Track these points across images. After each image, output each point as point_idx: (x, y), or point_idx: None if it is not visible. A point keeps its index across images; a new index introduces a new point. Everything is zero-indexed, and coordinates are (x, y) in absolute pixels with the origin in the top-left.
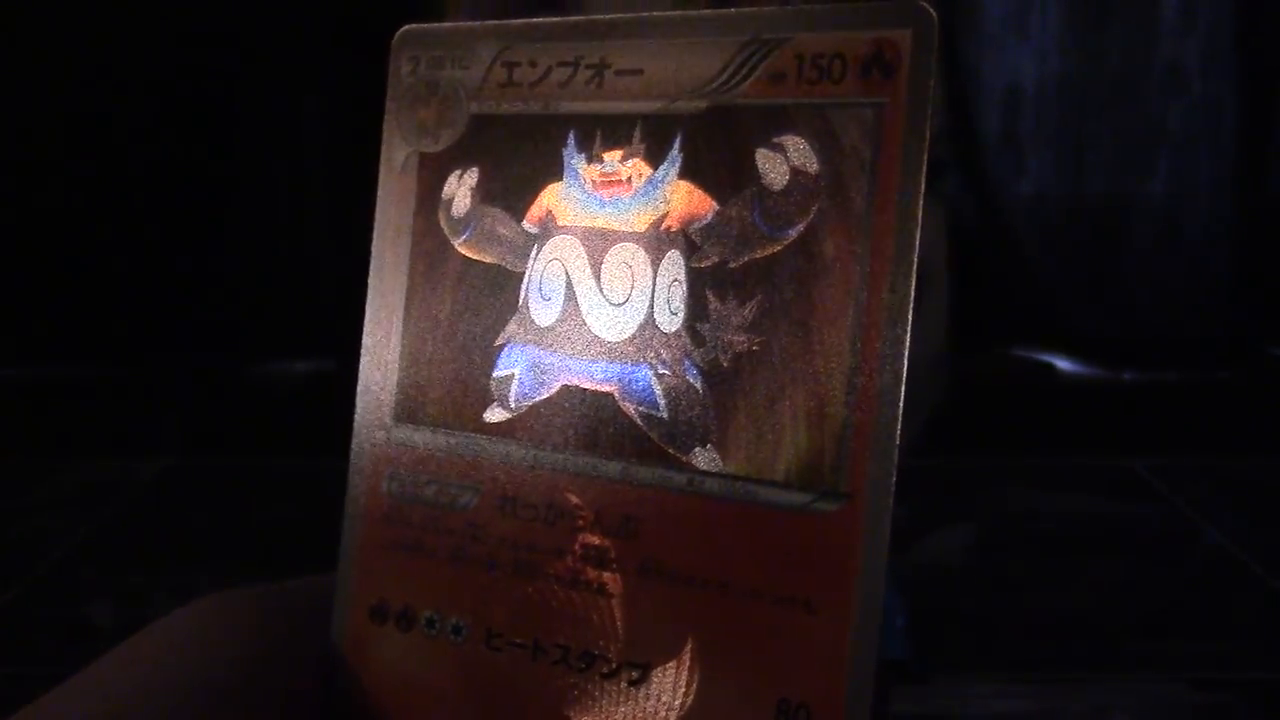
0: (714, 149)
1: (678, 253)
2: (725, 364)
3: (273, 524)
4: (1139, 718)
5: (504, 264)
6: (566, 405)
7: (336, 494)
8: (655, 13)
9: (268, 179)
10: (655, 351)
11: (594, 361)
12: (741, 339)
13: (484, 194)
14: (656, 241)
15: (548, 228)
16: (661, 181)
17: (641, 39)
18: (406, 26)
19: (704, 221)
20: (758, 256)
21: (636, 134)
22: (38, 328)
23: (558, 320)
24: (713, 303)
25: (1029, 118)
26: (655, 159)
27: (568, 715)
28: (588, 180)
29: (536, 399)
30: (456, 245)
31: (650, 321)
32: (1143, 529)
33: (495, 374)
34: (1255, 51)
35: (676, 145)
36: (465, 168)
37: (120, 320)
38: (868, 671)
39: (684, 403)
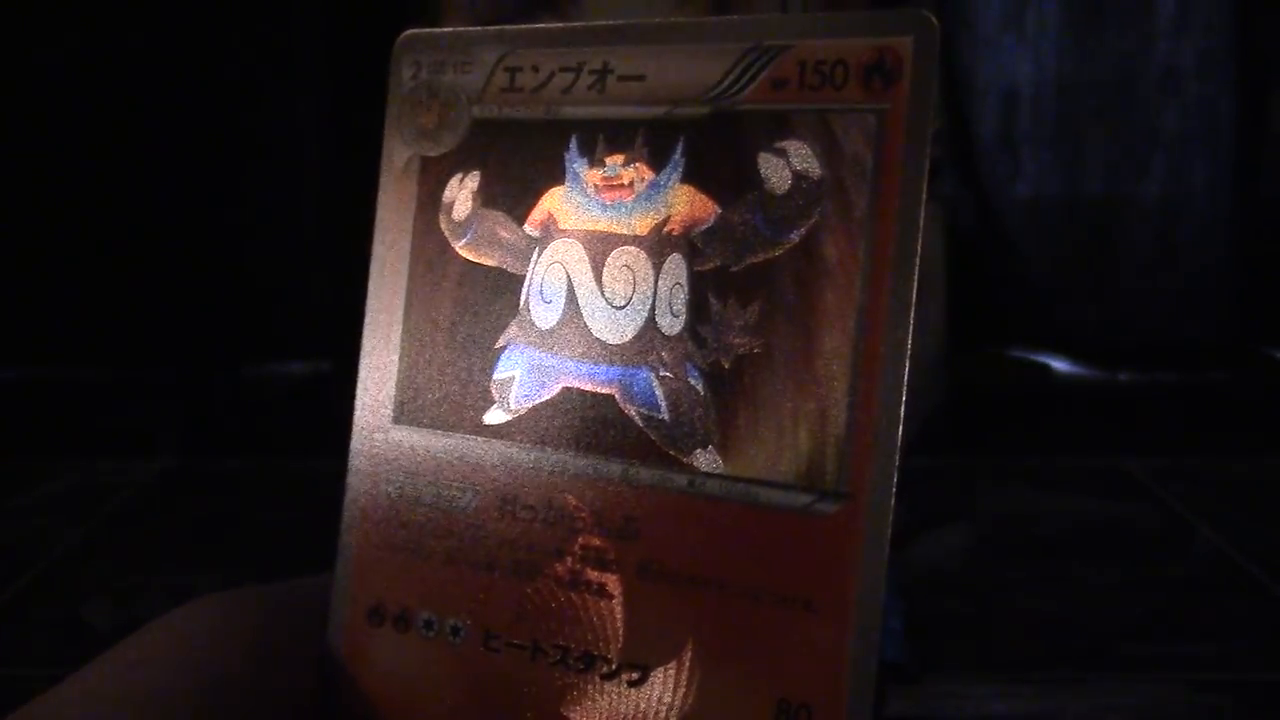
0: (716, 154)
1: (680, 256)
2: (727, 366)
3: (271, 525)
4: (1136, 719)
5: (505, 267)
6: (567, 407)
7: (334, 495)
8: (658, 19)
9: (266, 181)
10: (656, 354)
11: (595, 364)
12: (743, 341)
13: (485, 197)
14: (658, 245)
15: (549, 231)
16: (664, 186)
17: (644, 45)
18: (408, 31)
19: (706, 225)
20: (760, 260)
21: (639, 139)
22: (34, 328)
23: (559, 323)
24: (714, 306)
25: (1025, 119)
26: (657, 163)
27: (567, 717)
28: (589, 184)
29: (537, 401)
30: (457, 248)
31: (651, 324)
32: (1138, 530)
33: (495, 376)
34: (1251, 53)
35: (679, 150)
36: (466, 171)
37: (118, 321)
38: (869, 673)
39: (685, 405)
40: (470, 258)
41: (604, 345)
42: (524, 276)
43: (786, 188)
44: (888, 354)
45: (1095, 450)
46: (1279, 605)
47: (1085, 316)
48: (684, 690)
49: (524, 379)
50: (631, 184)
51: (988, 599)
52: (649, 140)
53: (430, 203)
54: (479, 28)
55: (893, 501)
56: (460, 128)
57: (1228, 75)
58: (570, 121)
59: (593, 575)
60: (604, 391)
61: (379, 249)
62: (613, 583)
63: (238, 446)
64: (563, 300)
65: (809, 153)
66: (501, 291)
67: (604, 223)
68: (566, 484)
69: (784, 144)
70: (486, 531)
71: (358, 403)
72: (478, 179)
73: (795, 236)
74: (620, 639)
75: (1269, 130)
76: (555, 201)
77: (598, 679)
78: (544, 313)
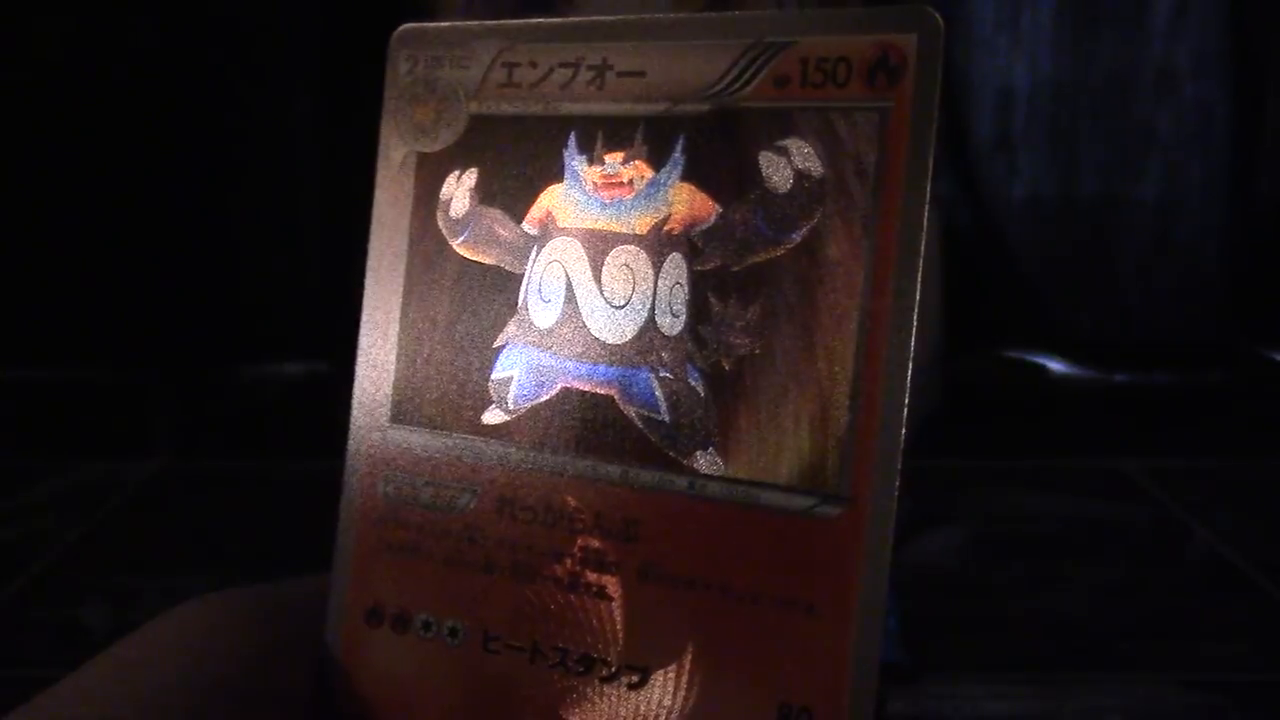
0: (717, 152)
1: (680, 255)
2: (727, 367)
3: (268, 526)
4: (1134, 719)
5: (503, 265)
6: (566, 407)
7: (332, 496)
8: (658, 15)
9: (262, 180)
10: (656, 354)
11: (594, 364)
12: (744, 342)
13: (483, 194)
14: (658, 244)
15: (547, 229)
16: (664, 184)
17: (644, 41)
18: (405, 25)
19: (707, 224)
20: (761, 260)
21: (638, 136)
22: (31, 329)
23: (557, 322)
24: (715, 306)
25: (1021, 120)
26: (657, 161)
27: (566, 719)
28: (588, 182)
29: (536, 401)
30: (455, 246)
31: (651, 324)
32: (1134, 531)
33: (494, 376)
34: (1246, 54)
35: (679, 148)
36: (464, 168)
37: (114, 322)
38: (870, 675)
39: (685, 405)
40: (468, 255)
41: (603, 345)
42: (522, 275)
43: (788, 186)
44: (891, 355)
45: (1091, 451)
46: (1276, 605)
47: (1081, 317)
48: (684, 693)
49: (523, 379)
50: (631, 182)
51: (985, 599)
52: (649, 138)
53: (427, 199)
54: (476, 22)
55: (895, 504)
56: (458, 123)
57: (1223, 76)
58: (569, 118)
59: (592, 577)
60: (603, 392)
61: (376, 246)
62: (612, 585)
63: (235, 447)
64: (561, 299)
65: (811, 151)
66: (500, 290)
67: (603, 221)
68: (566, 485)
69: (786, 142)
70: (485, 532)
71: (355, 402)
72: (475, 176)
73: (797, 236)
74: (620, 641)
75: (1264, 131)
76: (554, 199)
77: (597, 681)
78: (543, 312)
